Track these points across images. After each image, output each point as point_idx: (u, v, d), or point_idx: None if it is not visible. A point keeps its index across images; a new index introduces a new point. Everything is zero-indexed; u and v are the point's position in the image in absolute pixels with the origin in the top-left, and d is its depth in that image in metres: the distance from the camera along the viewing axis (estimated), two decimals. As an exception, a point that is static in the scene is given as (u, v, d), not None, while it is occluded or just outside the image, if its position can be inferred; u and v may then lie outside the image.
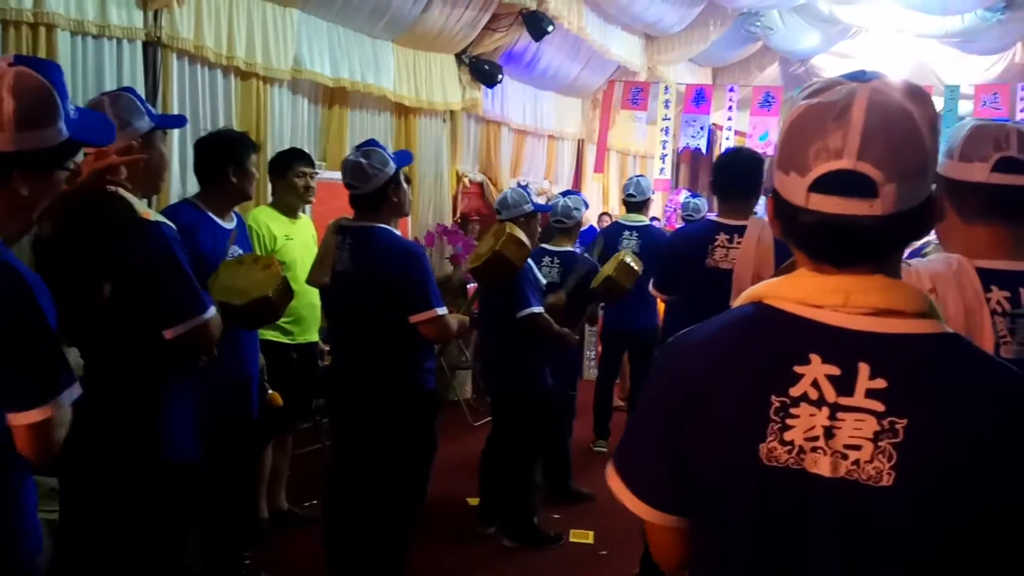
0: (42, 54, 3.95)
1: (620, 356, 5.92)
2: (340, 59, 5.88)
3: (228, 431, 3.05)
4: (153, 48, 4.57)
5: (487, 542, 4.19)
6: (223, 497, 3.12)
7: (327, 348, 4.18)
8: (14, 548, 1.63)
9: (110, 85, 4.23)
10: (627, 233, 5.52)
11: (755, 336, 1.08)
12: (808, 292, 1.05)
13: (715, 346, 1.11)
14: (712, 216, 3.42)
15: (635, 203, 5.69)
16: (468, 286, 6.81)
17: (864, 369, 0.99)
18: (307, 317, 4.05)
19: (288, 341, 3.98)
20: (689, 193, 8.87)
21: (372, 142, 3.17)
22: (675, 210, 10.05)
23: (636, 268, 4.12)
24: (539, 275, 4.13)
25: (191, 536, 2.46)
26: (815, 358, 1.02)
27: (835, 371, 1.00)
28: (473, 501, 4.54)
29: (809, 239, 1.06)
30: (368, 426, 3.11)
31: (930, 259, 1.65)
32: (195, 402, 2.41)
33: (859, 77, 1.03)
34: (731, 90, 9.93)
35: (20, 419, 1.52)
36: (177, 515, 2.35)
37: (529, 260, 3.86)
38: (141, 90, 4.47)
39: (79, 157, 1.78)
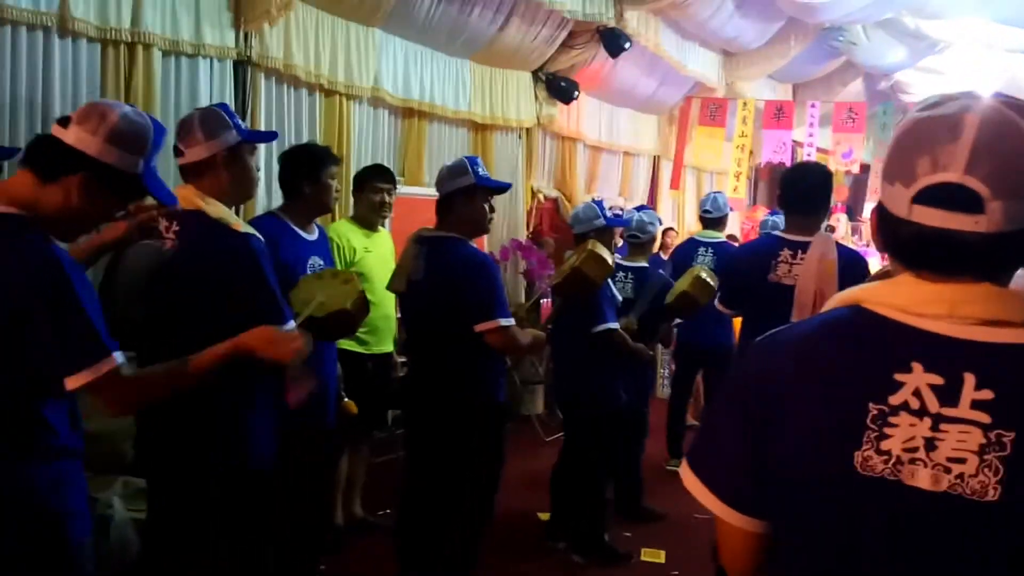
0: (138, 72, 4.14)
1: (694, 374, 5.85)
2: (418, 77, 5.99)
3: (305, 439, 3.13)
4: (243, 67, 4.73)
5: (556, 557, 4.18)
6: (299, 504, 3.20)
7: (403, 359, 4.25)
8: (62, 531, 1.71)
9: (202, 102, 4.41)
10: (702, 249, 5.48)
11: (852, 340, 1.05)
12: (910, 299, 1.02)
13: (807, 346, 1.09)
14: (778, 232, 3.38)
15: (711, 219, 5.65)
16: (543, 301, 6.82)
17: (970, 379, 0.97)
18: (382, 328, 4.13)
19: (364, 351, 4.06)
20: (768, 211, 8.72)
21: (471, 158, 3.23)
22: (753, 227, 9.89)
23: (712, 283, 4.08)
24: (615, 291, 4.12)
25: (269, 540, 2.52)
26: (917, 367, 0.99)
27: (938, 381, 0.98)
28: (544, 516, 4.53)
29: (909, 251, 1.04)
30: (437, 436, 3.15)
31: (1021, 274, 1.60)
32: (276, 408, 2.49)
33: (974, 94, 1.02)
34: (812, 106, 9.75)
35: (77, 380, 1.65)
36: (257, 520, 2.42)
37: (606, 277, 3.86)
38: (231, 107, 4.62)
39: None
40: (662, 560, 4.23)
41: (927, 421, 0.98)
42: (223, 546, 2.36)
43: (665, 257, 6.54)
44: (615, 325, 3.92)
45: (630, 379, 4.21)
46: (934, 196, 0.99)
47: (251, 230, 2.32)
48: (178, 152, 2.35)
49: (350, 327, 2.93)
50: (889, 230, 1.05)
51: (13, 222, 1.66)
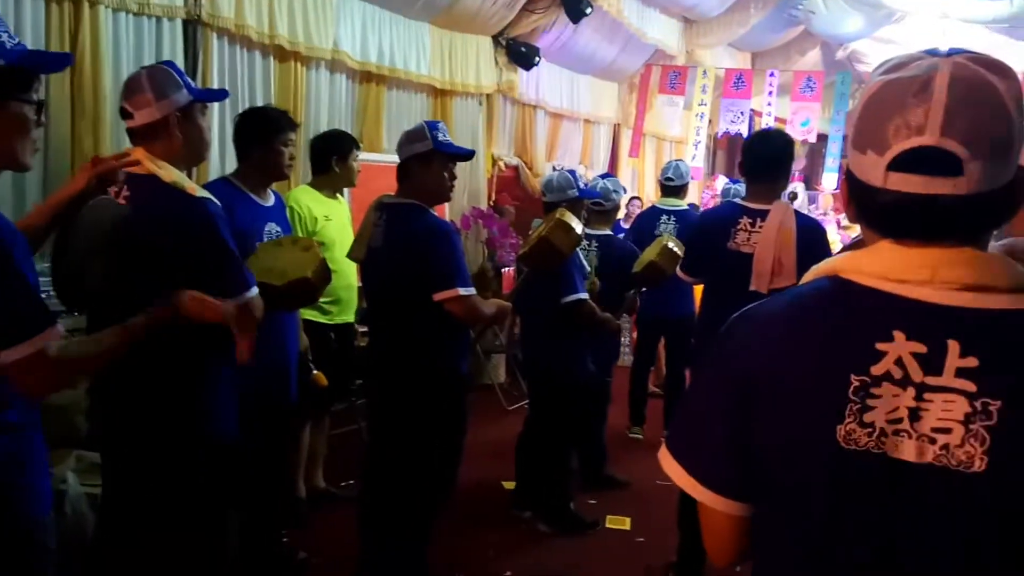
0: (84, 30, 3.96)
1: (656, 343, 5.86)
2: (377, 40, 5.84)
3: (267, 411, 3.05)
4: (193, 26, 4.56)
5: (522, 526, 4.16)
6: (262, 476, 3.13)
7: (363, 329, 4.17)
8: (20, 507, 1.63)
9: (150, 62, 4.22)
10: (664, 218, 5.46)
11: (832, 311, 1.02)
12: (891, 266, 0.99)
13: (787, 321, 1.05)
14: (738, 200, 3.38)
15: (673, 187, 5.62)
16: (504, 270, 6.77)
17: (954, 347, 0.93)
18: (344, 298, 4.04)
19: (327, 321, 3.97)
20: (728, 179, 8.74)
21: (431, 122, 3.12)
22: (713, 196, 9.92)
23: (679, 252, 4.06)
24: (584, 261, 4.08)
25: (230, 515, 2.46)
26: (899, 335, 0.95)
27: (921, 349, 0.94)
28: (508, 485, 4.51)
29: (888, 220, 1.00)
30: (398, 405, 3.09)
31: (1003, 243, 1.58)
32: (234, 380, 2.40)
33: (938, 52, 0.97)
34: (771, 75, 9.77)
35: (9, 356, 1.55)
36: (217, 493, 2.34)
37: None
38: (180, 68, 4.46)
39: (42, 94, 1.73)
40: (627, 527, 4.24)
41: (911, 391, 0.95)
42: (181, 521, 2.29)
43: (626, 226, 6.52)
44: (585, 295, 3.88)
45: (596, 348, 4.18)
46: (910, 161, 0.95)
47: (207, 194, 2.21)
48: (126, 114, 2.21)
49: (311, 296, 2.84)
50: (864, 200, 1.01)
51: None
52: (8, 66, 1.58)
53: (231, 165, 3.81)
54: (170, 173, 2.14)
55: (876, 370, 0.96)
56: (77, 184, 2.02)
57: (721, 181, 9.22)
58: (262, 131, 3.12)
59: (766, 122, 9.68)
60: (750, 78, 9.37)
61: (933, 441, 0.93)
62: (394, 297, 3.06)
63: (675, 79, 9.30)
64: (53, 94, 3.88)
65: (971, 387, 0.92)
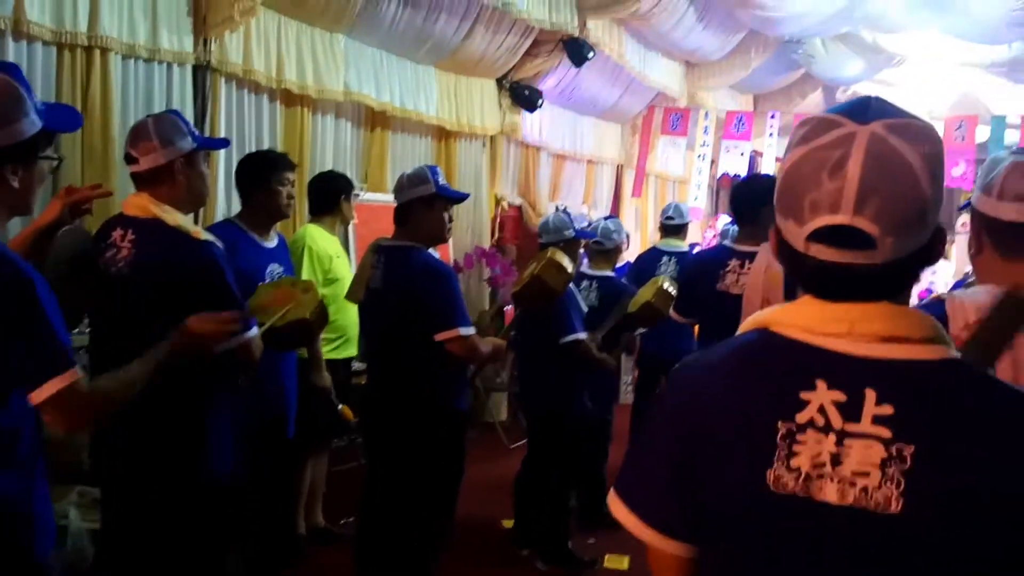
0: (95, 76, 4.07)
1: (657, 381, 5.87)
2: (384, 83, 5.96)
3: (266, 447, 3.10)
4: (202, 72, 4.68)
5: (521, 565, 4.17)
6: (261, 513, 3.17)
7: (361, 367, 4.23)
8: (29, 540, 1.69)
9: (159, 108, 4.34)
10: (665, 259, 5.52)
11: (760, 363, 1.08)
12: (813, 319, 1.04)
13: (720, 372, 1.11)
14: (727, 242, 3.46)
15: (673, 226, 5.70)
16: (506, 309, 6.83)
17: (871, 395, 0.99)
18: (351, 335, 4.11)
19: (334, 356, 4.03)
20: (729, 220, 8.81)
21: (432, 167, 3.20)
22: (715, 236, 9.99)
23: (673, 293, 4.11)
24: (580, 301, 4.14)
25: (230, 551, 2.49)
26: (821, 384, 1.01)
27: (841, 397, 1.00)
28: (507, 523, 4.53)
29: (811, 281, 1.06)
30: (396, 443, 3.14)
31: (974, 290, 1.63)
32: (234, 419, 2.46)
33: (859, 114, 1.01)
34: (772, 116, 9.88)
35: (40, 394, 1.63)
36: (216, 529, 2.38)
37: (571, 285, 3.88)
38: (190, 112, 4.57)
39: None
40: (626, 567, 4.24)
41: (832, 437, 0.99)
42: (180, 557, 2.33)
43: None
44: (583, 336, 3.94)
45: (594, 387, 4.22)
46: (826, 235, 1.00)
47: (211, 237, 2.29)
48: (131, 159, 2.30)
49: (309, 336, 2.91)
50: (790, 261, 1.07)
51: None
52: (43, 129, 1.71)
53: (237, 207, 3.90)
54: (174, 217, 2.22)
55: (801, 417, 1.01)
56: (50, 214, 2.11)
57: (723, 220, 9.29)
58: (261, 173, 3.22)
59: (767, 163, 9.77)
60: (751, 120, 9.48)
61: (853, 484, 0.98)
62: (394, 336, 3.13)
63: (677, 121, 9.42)
64: (64, 137, 3.98)
65: (887, 433, 0.97)
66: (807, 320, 1.05)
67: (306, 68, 5.22)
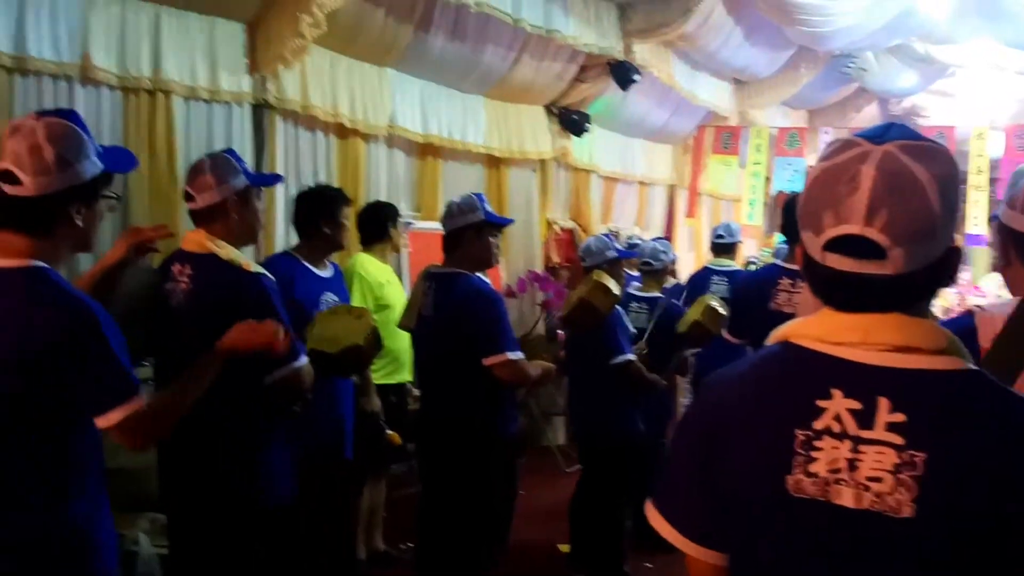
0: (159, 118, 4.27)
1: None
2: (431, 115, 6.09)
3: (323, 472, 3.18)
4: (261, 110, 4.86)
5: (577, 588, 4.17)
6: (320, 537, 3.24)
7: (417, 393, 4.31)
8: (93, 565, 1.77)
9: (220, 146, 4.51)
10: (716, 278, 5.51)
11: (780, 373, 1.13)
12: (828, 330, 1.09)
13: (744, 384, 1.16)
14: (778, 261, 3.44)
15: (724, 244, 5.69)
16: (559, 332, 6.86)
17: (884, 403, 1.03)
18: (404, 360, 4.20)
19: (386, 381, 4.12)
20: (783, 236, 8.72)
21: (479, 195, 3.30)
22: (772, 254, 9.88)
23: (723, 312, 4.11)
24: (628, 323, 4.17)
25: (289, 575, 2.57)
26: (836, 392, 1.05)
27: (856, 405, 1.04)
28: (564, 548, 4.53)
29: (828, 290, 1.11)
30: (447, 467, 3.19)
31: (1002, 302, 1.64)
32: (291, 445, 2.54)
33: (877, 136, 1.07)
34: (825, 132, 9.78)
35: (107, 420, 1.74)
36: (274, 553, 2.46)
37: (619, 307, 3.91)
38: (249, 149, 4.75)
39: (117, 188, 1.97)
40: (683, 590, 4.21)
41: (847, 443, 1.04)
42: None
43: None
44: (632, 357, 3.96)
45: (648, 408, 4.23)
46: (841, 244, 1.05)
47: (262, 270, 2.40)
48: (189, 197, 2.43)
49: (363, 362, 2.99)
50: (810, 271, 1.12)
51: (36, 275, 1.74)
52: (103, 170, 1.84)
53: (296, 238, 4.04)
54: (228, 251, 2.33)
55: (818, 424, 1.06)
56: (115, 253, 2.24)
57: (776, 239, 9.20)
58: (327, 208, 3.34)
59: (822, 179, 9.62)
60: (804, 136, 9.40)
61: (868, 489, 1.02)
62: (445, 362, 3.20)
63: (728, 139, 9.39)
64: (131, 177, 4.18)
65: (899, 440, 1.01)
66: (824, 331, 1.10)
67: (356, 102, 5.37)
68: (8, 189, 1.73)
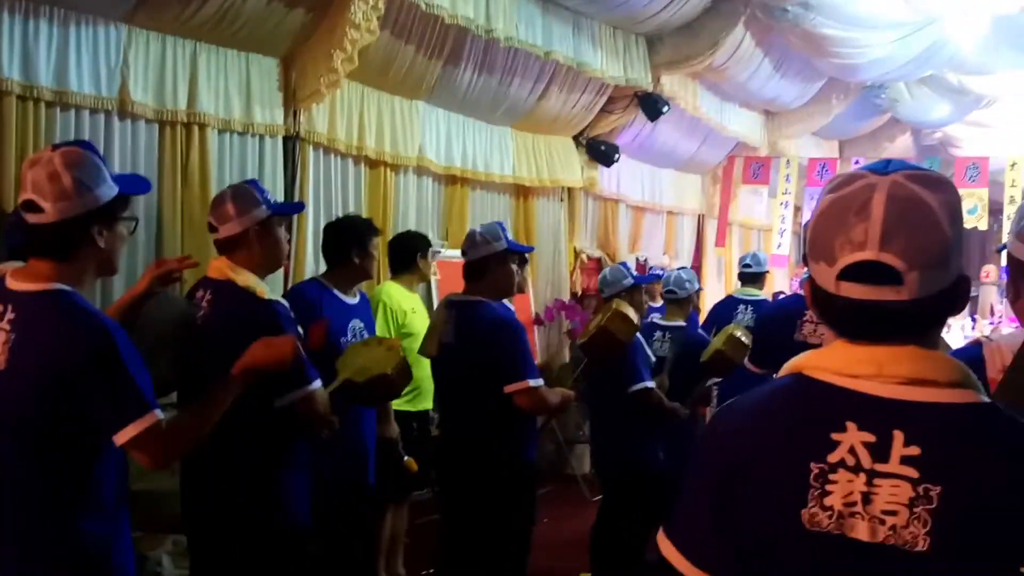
0: (194, 150, 4.40)
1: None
2: (458, 147, 6.19)
3: (346, 497, 3.23)
4: (292, 142, 4.98)
5: (598, 618, 4.16)
6: (341, 563, 3.28)
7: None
8: None
9: (253, 175, 4.64)
10: (742, 307, 5.50)
11: (793, 405, 1.13)
12: (843, 362, 1.09)
13: (756, 416, 1.16)
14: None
15: (751, 274, 5.69)
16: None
17: (898, 436, 1.03)
18: (426, 388, 4.25)
19: (409, 409, 4.17)
20: (812, 268, 8.66)
21: (500, 224, 3.36)
22: (801, 284, 9.82)
23: (746, 342, 4.11)
24: (648, 351, 4.18)
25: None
26: (851, 425, 1.05)
27: (871, 438, 1.04)
28: (585, 576, 4.52)
29: (843, 321, 1.11)
30: (466, 494, 3.22)
31: (1011, 334, 1.65)
32: (312, 470, 2.59)
33: (881, 168, 1.09)
34: (856, 163, 9.74)
35: (121, 436, 1.80)
36: (294, 576, 2.50)
37: (639, 335, 3.93)
38: (281, 180, 4.88)
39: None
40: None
41: (862, 476, 1.04)
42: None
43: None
44: (651, 384, 3.96)
45: (669, 437, 4.22)
46: (856, 273, 1.06)
47: (276, 297, 2.47)
48: (212, 228, 2.51)
49: (392, 392, 3.03)
50: (823, 304, 1.13)
51: (58, 297, 1.82)
52: (120, 194, 1.92)
53: (324, 266, 4.13)
54: (245, 278, 2.41)
55: (832, 458, 1.05)
56: (141, 285, 2.33)
57: (807, 270, 9.15)
58: (357, 238, 3.41)
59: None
60: (834, 167, 9.36)
61: (883, 522, 1.02)
62: (465, 389, 3.24)
63: (758, 169, 9.39)
64: (165, 208, 4.31)
65: (914, 474, 1.01)
66: (837, 363, 1.10)
67: (385, 135, 5.49)
68: (32, 218, 1.83)
